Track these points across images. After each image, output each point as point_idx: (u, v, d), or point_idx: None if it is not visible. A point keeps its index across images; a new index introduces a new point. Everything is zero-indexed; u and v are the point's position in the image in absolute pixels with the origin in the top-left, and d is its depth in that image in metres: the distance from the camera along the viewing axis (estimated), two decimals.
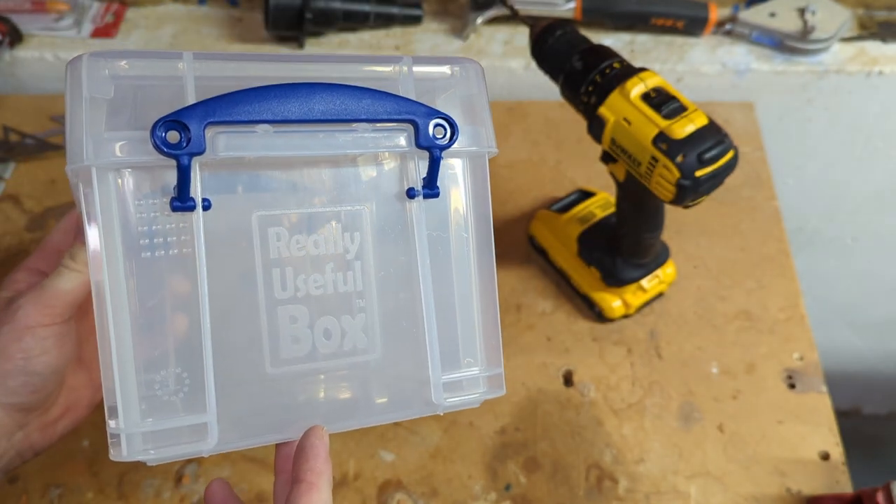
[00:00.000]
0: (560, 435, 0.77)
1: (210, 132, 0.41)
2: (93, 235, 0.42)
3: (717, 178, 0.64)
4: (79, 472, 0.73)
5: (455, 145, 0.47)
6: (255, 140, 0.43)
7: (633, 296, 0.83)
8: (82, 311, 0.53)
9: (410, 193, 0.49)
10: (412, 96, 0.48)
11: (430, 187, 0.49)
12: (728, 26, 1.10)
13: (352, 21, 1.07)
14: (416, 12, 1.10)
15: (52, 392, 0.52)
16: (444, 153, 0.47)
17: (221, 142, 0.42)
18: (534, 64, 0.75)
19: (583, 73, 0.70)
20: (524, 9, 1.04)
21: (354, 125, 0.45)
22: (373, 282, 0.49)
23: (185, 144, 0.40)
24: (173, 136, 0.40)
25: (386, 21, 1.10)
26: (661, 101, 0.65)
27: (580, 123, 0.72)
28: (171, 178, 0.42)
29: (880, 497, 0.64)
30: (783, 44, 1.07)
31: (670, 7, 1.07)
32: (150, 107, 0.41)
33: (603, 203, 0.89)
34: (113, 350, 0.42)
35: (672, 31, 1.10)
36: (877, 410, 1.76)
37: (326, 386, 0.49)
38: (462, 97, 0.51)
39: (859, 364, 1.59)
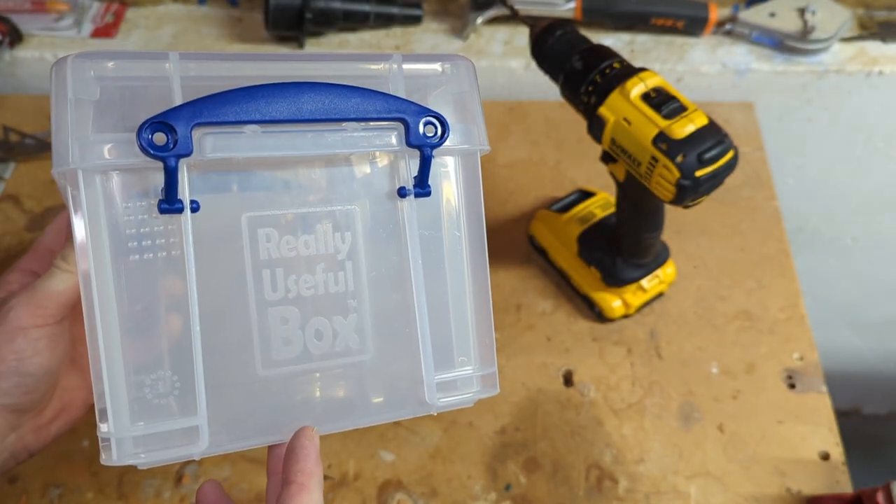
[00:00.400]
0: (560, 435, 0.77)
1: (197, 133, 0.41)
2: (80, 238, 0.42)
3: (717, 178, 0.64)
4: (79, 472, 0.73)
5: (446, 143, 0.47)
6: (244, 141, 0.43)
7: (633, 296, 0.83)
8: (76, 312, 0.53)
9: (402, 192, 0.48)
10: (402, 94, 0.48)
11: (422, 186, 0.48)
12: (728, 26, 1.09)
13: (352, 21, 1.07)
14: (416, 12, 1.10)
15: (45, 393, 0.52)
16: (435, 151, 0.47)
17: (209, 143, 0.42)
18: (534, 64, 0.75)
19: (583, 73, 0.69)
20: (524, 9, 1.04)
21: (344, 124, 0.45)
22: (364, 282, 0.49)
23: (171, 146, 0.40)
24: (160, 137, 0.40)
25: (386, 21, 1.10)
26: (661, 101, 0.65)
27: (580, 123, 0.71)
28: (159, 179, 0.42)
29: (880, 497, 0.64)
30: (783, 44, 1.07)
31: (670, 7, 1.07)
32: (137, 108, 0.41)
33: (603, 203, 0.89)
34: (102, 353, 0.42)
35: (672, 31, 1.10)
36: (877, 410, 1.75)
37: (319, 387, 0.48)
38: (453, 94, 0.50)
39: (859, 364, 1.59)
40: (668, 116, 0.64)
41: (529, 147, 1.04)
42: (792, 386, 0.80)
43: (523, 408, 0.79)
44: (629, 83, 0.66)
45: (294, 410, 0.48)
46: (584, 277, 0.84)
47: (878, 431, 1.74)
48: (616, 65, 0.68)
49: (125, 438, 0.42)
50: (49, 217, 0.93)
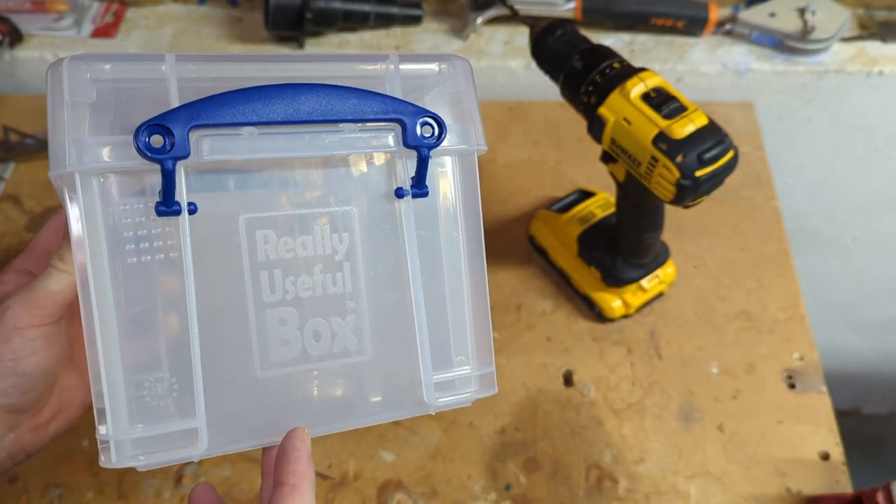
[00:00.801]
0: (560, 435, 0.77)
1: (194, 135, 0.41)
2: (77, 240, 0.41)
3: (717, 178, 0.64)
4: (79, 472, 0.73)
5: (444, 144, 0.47)
6: (241, 142, 0.43)
7: (633, 296, 0.83)
8: (73, 312, 0.53)
9: (399, 193, 0.48)
10: (399, 95, 0.47)
11: (419, 187, 0.48)
12: (728, 26, 1.09)
13: (352, 21, 1.07)
14: (416, 12, 1.10)
15: (42, 393, 0.52)
16: (432, 152, 0.47)
17: (206, 145, 0.42)
18: (534, 64, 0.75)
19: (583, 73, 0.69)
20: (524, 9, 1.04)
21: (341, 125, 0.45)
22: (362, 283, 0.49)
23: (168, 148, 0.40)
24: (157, 140, 0.40)
25: (386, 21, 1.10)
26: (661, 101, 0.65)
27: (580, 123, 0.71)
28: (157, 181, 0.42)
29: (880, 497, 0.64)
30: (783, 44, 1.07)
31: (670, 7, 1.07)
32: (134, 110, 0.41)
33: (603, 203, 0.89)
34: (100, 355, 0.42)
35: (672, 31, 1.10)
36: (877, 410, 1.75)
37: (317, 388, 0.48)
38: (450, 94, 0.50)
39: (859, 364, 1.58)
40: (668, 116, 0.64)
41: (529, 147, 1.04)
42: (792, 386, 0.80)
43: (523, 408, 0.79)
44: (629, 83, 0.66)
45: (293, 411, 0.48)
46: (584, 277, 0.84)
47: (878, 431, 1.74)
48: (616, 65, 0.68)
49: (124, 441, 0.42)
50: (49, 217, 0.93)
